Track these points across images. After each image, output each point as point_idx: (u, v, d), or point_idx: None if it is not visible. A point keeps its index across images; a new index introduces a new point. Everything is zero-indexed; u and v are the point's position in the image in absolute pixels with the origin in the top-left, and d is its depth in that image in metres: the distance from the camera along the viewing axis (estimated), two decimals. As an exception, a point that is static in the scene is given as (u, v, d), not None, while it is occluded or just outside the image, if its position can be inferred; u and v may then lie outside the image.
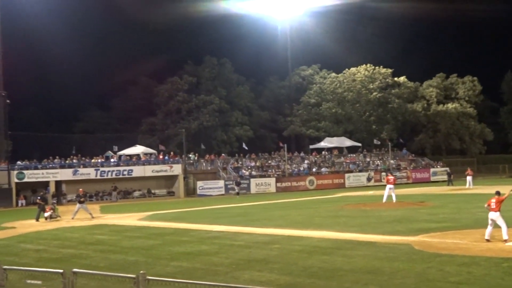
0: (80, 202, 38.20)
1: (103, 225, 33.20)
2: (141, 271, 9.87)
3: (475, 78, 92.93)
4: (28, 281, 13.16)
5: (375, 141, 79.68)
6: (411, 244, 20.50)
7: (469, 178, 56.02)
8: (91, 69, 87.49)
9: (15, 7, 68.93)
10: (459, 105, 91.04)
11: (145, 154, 66.54)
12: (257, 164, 69.43)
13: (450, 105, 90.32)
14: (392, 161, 75.74)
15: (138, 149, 67.64)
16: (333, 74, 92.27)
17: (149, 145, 74.93)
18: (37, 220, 36.95)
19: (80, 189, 40.63)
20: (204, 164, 68.56)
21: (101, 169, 60.09)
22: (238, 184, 61.77)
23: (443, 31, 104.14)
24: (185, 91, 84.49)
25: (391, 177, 41.22)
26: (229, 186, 63.18)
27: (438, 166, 75.73)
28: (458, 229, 24.27)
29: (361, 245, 20.99)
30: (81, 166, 60.08)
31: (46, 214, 37.36)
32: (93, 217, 37.39)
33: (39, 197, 40.67)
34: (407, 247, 19.94)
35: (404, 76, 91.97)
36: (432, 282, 14.69)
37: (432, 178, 72.23)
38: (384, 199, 39.30)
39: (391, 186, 39.83)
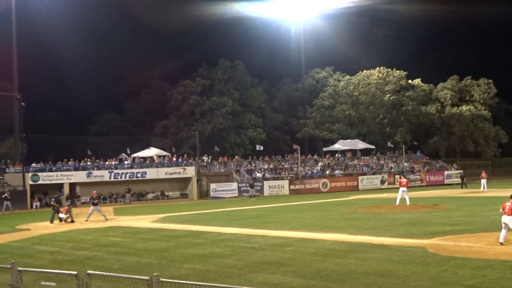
0: (94, 204, 38.40)
1: (117, 227, 33.32)
2: (155, 273, 9.89)
3: (490, 80, 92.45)
4: (43, 283, 13.25)
5: (389, 144, 79.44)
6: (425, 247, 20.40)
7: (483, 181, 55.63)
8: (105, 72, 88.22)
9: (29, 12, 69.45)
10: (474, 107, 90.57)
11: (159, 156, 66.73)
12: (271, 166, 69.44)
13: (464, 108, 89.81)
14: (405, 164, 75.44)
15: (151, 152, 67.87)
16: (347, 77, 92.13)
17: (163, 147, 75.19)
18: (52, 222, 37.17)
19: (94, 191, 40.86)
20: (217, 167, 68.65)
21: (115, 171, 60.30)
22: (252, 186, 61.80)
23: (457, 33, 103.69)
24: (198, 94, 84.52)
25: (404, 180, 41.08)
26: (242, 189, 63.24)
27: (452, 169, 75.40)
28: (472, 232, 24.12)
29: (374, 248, 20.91)
30: (95, 168, 60.35)
31: (61, 215, 37.59)
32: (106, 219, 37.53)
33: (53, 199, 40.97)
34: (421, 250, 19.85)
35: (419, 79, 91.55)
36: (446, 286, 14.62)
37: (446, 181, 71.88)
38: (397, 202, 39.17)
39: (404, 189, 39.70)
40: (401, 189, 40.00)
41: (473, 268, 16.48)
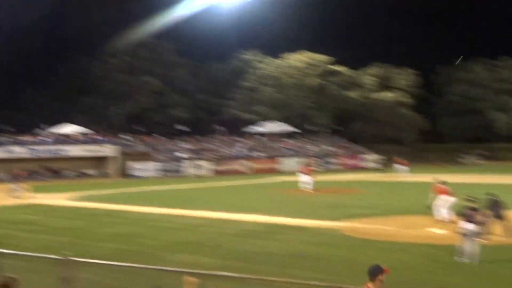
0: (13, 182, 37.47)
1: (34, 205, 32.59)
2: (68, 252, 9.75)
3: (412, 70, 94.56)
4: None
5: (310, 127, 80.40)
6: (341, 230, 20.86)
7: (399, 166, 56.60)
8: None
9: None
10: (397, 94, 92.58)
11: (79, 133, 65.46)
12: (194, 146, 69.20)
13: (388, 94, 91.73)
14: (327, 147, 76.65)
15: (72, 128, 66.50)
16: (273, 60, 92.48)
17: (84, 124, 73.68)
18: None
19: (13, 169, 39.73)
20: (139, 145, 67.83)
21: (34, 147, 58.71)
22: (197, 166, 61.02)
23: (383, 19, 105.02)
24: (122, 72, 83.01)
25: (309, 167, 41.45)
26: (164, 168, 62.81)
27: (373, 154, 77.07)
28: (387, 215, 24.80)
29: (293, 229, 21.26)
30: (14, 144, 58.56)
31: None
32: (23, 197, 36.64)
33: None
34: (337, 233, 20.30)
35: (343, 66, 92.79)
36: (359, 267, 14.95)
37: (366, 165, 73.48)
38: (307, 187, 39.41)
39: (304, 175, 39.98)
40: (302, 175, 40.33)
41: (384, 250, 17.00)
